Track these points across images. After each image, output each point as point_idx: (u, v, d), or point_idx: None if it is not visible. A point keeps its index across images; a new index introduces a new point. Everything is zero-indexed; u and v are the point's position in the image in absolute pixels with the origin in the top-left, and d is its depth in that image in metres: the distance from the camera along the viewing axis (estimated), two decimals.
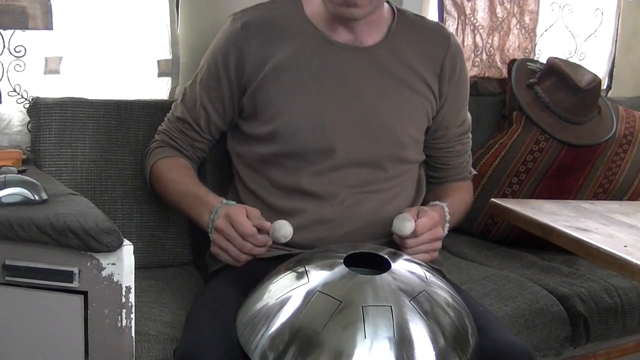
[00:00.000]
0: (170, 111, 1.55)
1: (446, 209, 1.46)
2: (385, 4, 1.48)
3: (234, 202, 1.37)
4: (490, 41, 2.34)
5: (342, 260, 1.15)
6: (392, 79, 1.45)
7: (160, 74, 1.85)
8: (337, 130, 1.42)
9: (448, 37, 1.52)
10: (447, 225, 1.47)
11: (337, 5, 1.35)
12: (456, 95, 1.53)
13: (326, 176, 1.43)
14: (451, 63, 1.50)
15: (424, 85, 1.48)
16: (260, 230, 1.30)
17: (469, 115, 1.61)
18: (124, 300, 1.16)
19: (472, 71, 2.29)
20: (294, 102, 1.41)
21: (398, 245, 1.40)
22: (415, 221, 1.35)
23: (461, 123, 1.58)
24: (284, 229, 1.29)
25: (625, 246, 1.34)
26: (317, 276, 1.13)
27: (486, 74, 2.33)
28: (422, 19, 1.56)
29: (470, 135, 1.62)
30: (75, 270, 1.15)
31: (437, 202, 1.48)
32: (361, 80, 1.44)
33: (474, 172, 1.68)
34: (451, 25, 2.24)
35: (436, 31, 1.53)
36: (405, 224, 1.34)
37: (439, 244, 1.41)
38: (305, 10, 1.45)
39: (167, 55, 1.84)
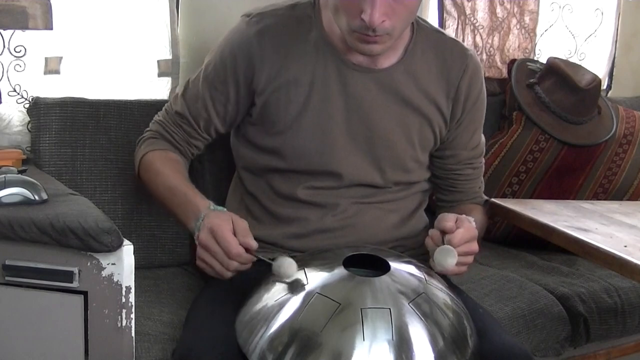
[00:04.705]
0: (169, 102, 1.49)
1: (473, 223, 1.31)
2: None
3: (223, 208, 1.28)
4: (490, 41, 2.34)
5: (341, 262, 1.15)
6: (404, 104, 1.40)
7: (160, 74, 1.85)
8: (344, 155, 1.39)
9: (466, 58, 1.44)
10: None
11: (356, 41, 1.28)
12: (470, 118, 1.47)
13: (326, 191, 1.41)
14: (467, 85, 1.44)
15: (436, 110, 1.43)
16: (247, 249, 1.21)
17: (482, 139, 1.54)
18: (124, 300, 1.16)
19: None
20: (301, 120, 1.38)
21: (401, 249, 1.40)
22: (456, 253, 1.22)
23: (474, 146, 1.51)
24: (290, 269, 1.16)
25: (625, 246, 1.34)
26: (316, 278, 1.13)
27: (486, 74, 2.32)
28: (442, 36, 1.47)
29: (482, 160, 1.55)
30: (75, 270, 1.15)
31: (463, 216, 1.31)
32: (371, 102, 1.39)
33: (486, 197, 1.58)
34: (451, 25, 2.24)
35: (455, 50, 1.44)
36: (447, 260, 1.21)
37: (470, 259, 1.29)
38: (323, 18, 1.38)
39: (167, 55, 1.84)
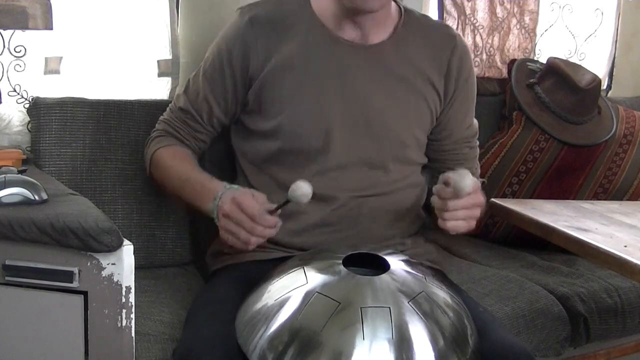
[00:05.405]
0: (173, 101, 1.54)
1: (477, 181, 1.32)
2: (393, 3, 1.46)
3: (238, 186, 1.33)
4: (490, 41, 2.34)
5: (341, 261, 1.15)
6: (396, 78, 1.44)
7: (160, 74, 1.85)
8: (338, 129, 1.41)
9: (454, 38, 1.50)
10: None
11: None
12: (463, 96, 1.50)
13: (326, 176, 1.42)
14: (458, 63, 1.48)
15: (429, 85, 1.46)
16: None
17: (475, 121, 1.57)
18: (124, 300, 1.16)
19: None
20: (297, 99, 1.41)
21: (400, 248, 1.40)
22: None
23: (468, 126, 1.54)
24: (304, 188, 1.20)
25: (625, 246, 1.35)
26: (316, 277, 1.13)
27: (486, 74, 2.33)
28: (429, 19, 1.55)
29: (477, 141, 1.59)
30: (75, 270, 1.15)
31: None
32: (365, 78, 1.43)
33: (483, 180, 1.58)
34: (451, 25, 2.24)
35: (443, 31, 1.51)
36: (466, 180, 1.20)
37: (477, 212, 1.30)
38: (312, 3, 1.44)
39: (167, 55, 1.84)
